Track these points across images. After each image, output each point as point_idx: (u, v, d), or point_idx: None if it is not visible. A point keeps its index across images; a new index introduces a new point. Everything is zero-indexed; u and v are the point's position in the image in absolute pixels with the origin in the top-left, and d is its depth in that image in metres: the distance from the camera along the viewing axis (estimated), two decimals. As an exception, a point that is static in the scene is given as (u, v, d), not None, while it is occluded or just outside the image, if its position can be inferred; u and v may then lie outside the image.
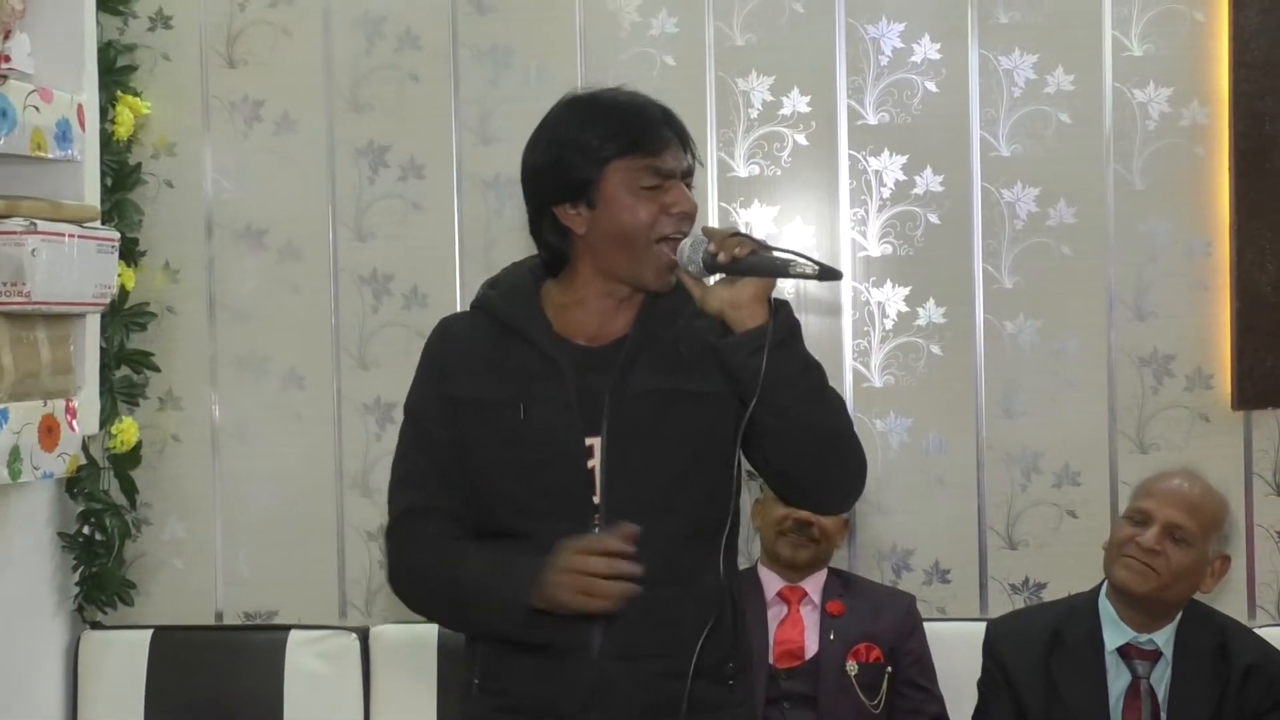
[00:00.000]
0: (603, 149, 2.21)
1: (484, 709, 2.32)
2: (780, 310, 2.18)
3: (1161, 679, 3.06)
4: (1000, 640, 3.17)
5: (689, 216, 2.24)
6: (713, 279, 2.19)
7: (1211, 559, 3.06)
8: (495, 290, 2.36)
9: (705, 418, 2.25)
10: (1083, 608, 3.13)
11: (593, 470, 2.22)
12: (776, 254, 2.16)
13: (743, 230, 2.25)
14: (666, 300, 2.28)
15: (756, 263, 2.15)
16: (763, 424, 2.18)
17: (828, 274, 2.17)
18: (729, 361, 2.17)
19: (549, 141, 2.26)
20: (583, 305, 2.28)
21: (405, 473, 2.35)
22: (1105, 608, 3.10)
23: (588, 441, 2.22)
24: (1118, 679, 3.07)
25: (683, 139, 2.26)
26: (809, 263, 2.13)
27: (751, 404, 2.15)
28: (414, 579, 2.33)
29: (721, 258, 2.15)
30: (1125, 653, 3.07)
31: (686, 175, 2.25)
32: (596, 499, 2.23)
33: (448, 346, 2.34)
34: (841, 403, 2.27)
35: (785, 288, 3.38)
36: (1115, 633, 3.08)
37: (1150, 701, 3.05)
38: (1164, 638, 3.06)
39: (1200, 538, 3.03)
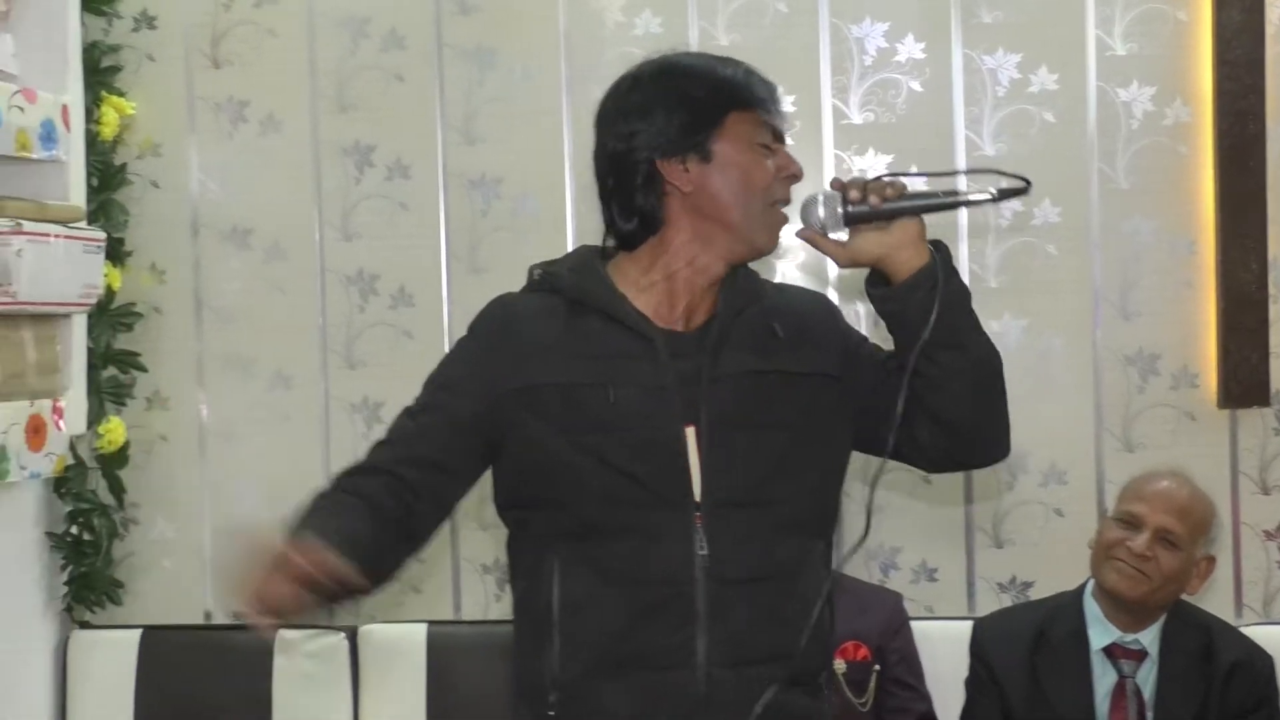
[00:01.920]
0: (724, 99, 2.10)
1: None
2: (938, 244, 2.09)
3: (1147, 678, 3.07)
4: (986, 640, 3.19)
5: (797, 180, 2.14)
6: (844, 234, 2.08)
7: (1198, 560, 3.07)
8: (558, 268, 2.18)
9: (807, 401, 2.11)
10: (1068, 607, 3.14)
11: (691, 461, 2.05)
12: (930, 190, 2.08)
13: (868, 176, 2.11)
14: (745, 281, 2.17)
15: (919, 200, 2.06)
16: (934, 369, 2.07)
17: (1008, 193, 2.09)
18: (901, 307, 2.06)
19: (652, 100, 2.11)
20: (670, 282, 2.13)
21: (392, 433, 2.15)
22: (1090, 607, 3.11)
23: (686, 429, 2.05)
24: (1103, 678, 3.08)
25: (781, 108, 2.16)
26: (985, 187, 2.07)
27: (915, 349, 2.04)
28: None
29: (873, 200, 2.05)
30: (1111, 652, 3.09)
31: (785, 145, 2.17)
32: (696, 492, 2.05)
33: (513, 327, 2.13)
34: None
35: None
36: (1101, 632, 3.09)
37: (1137, 701, 3.07)
38: (1149, 637, 3.08)
39: (1189, 542, 3.04)
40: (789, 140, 2.18)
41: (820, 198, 2.07)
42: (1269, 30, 3.52)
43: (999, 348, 2.14)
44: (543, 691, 2.07)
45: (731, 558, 2.04)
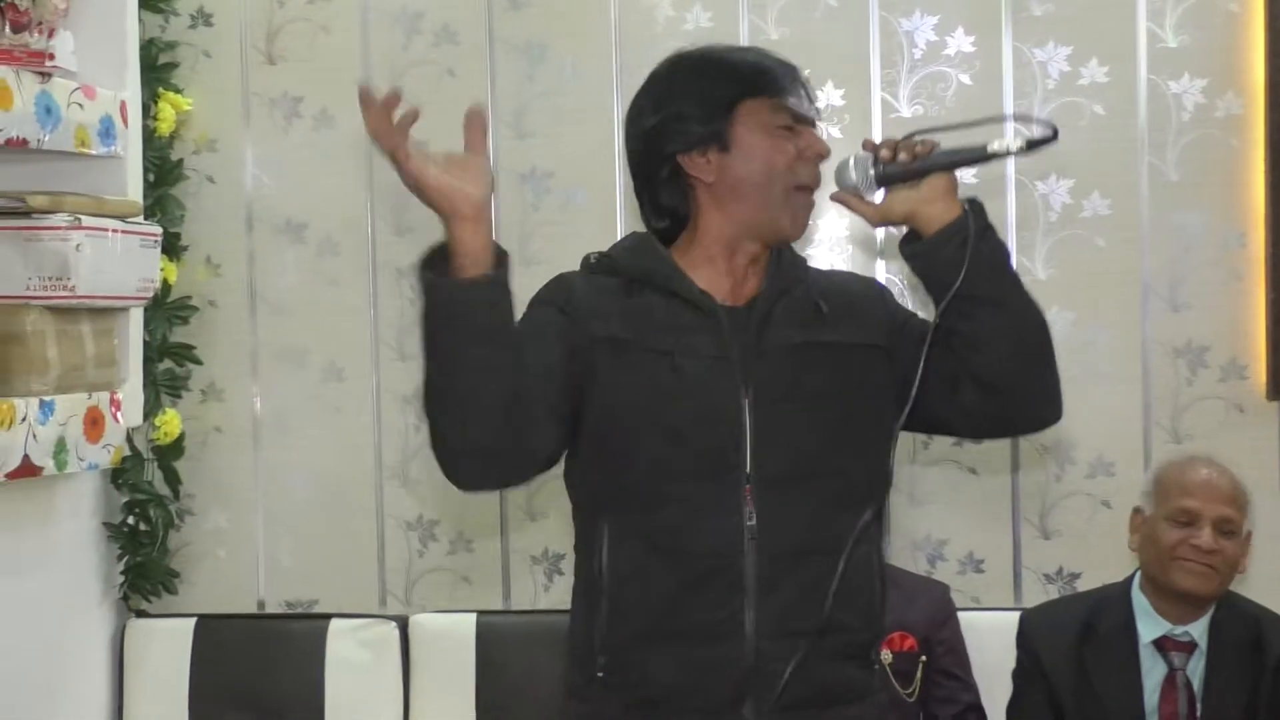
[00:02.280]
0: (734, 88, 2.11)
1: (612, 707, 2.09)
2: (973, 201, 2.08)
3: (1196, 669, 3.05)
4: (1033, 631, 3.18)
5: (823, 159, 2.14)
6: (879, 194, 2.09)
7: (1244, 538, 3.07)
8: (614, 251, 2.19)
9: (855, 373, 2.12)
10: (1115, 599, 3.12)
11: (745, 432, 2.06)
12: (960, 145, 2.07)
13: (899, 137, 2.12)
14: (790, 258, 2.19)
15: (948, 155, 2.06)
16: (972, 326, 2.05)
17: (1037, 143, 2.07)
18: (931, 262, 2.06)
19: (665, 95, 2.14)
20: (712, 264, 2.14)
21: None
22: (1139, 600, 3.09)
23: (744, 401, 2.06)
24: (1153, 670, 3.06)
25: (807, 89, 2.16)
26: (1011, 138, 2.05)
27: (944, 302, 2.04)
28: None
29: (902, 158, 2.06)
30: (1161, 645, 3.06)
31: (813, 126, 2.16)
32: (747, 464, 2.06)
33: (576, 293, 2.12)
34: None
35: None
36: (1150, 625, 3.07)
37: (1187, 693, 3.05)
38: (1199, 629, 3.05)
39: (1242, 524, 3.03)
40: (820, 122, 2.19)
41: (852, 160, 2.10)
42: (1323, 22, 3.49)
43: (1047, 339, 2.13)
44: (591, 655, 2.11)
45: (780, 530, 2.06)
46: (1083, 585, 3.54)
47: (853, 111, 3.64)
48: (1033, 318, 2.10)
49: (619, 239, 2.28)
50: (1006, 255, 2.12)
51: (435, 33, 3.77)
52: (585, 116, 3.71)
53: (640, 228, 2.25)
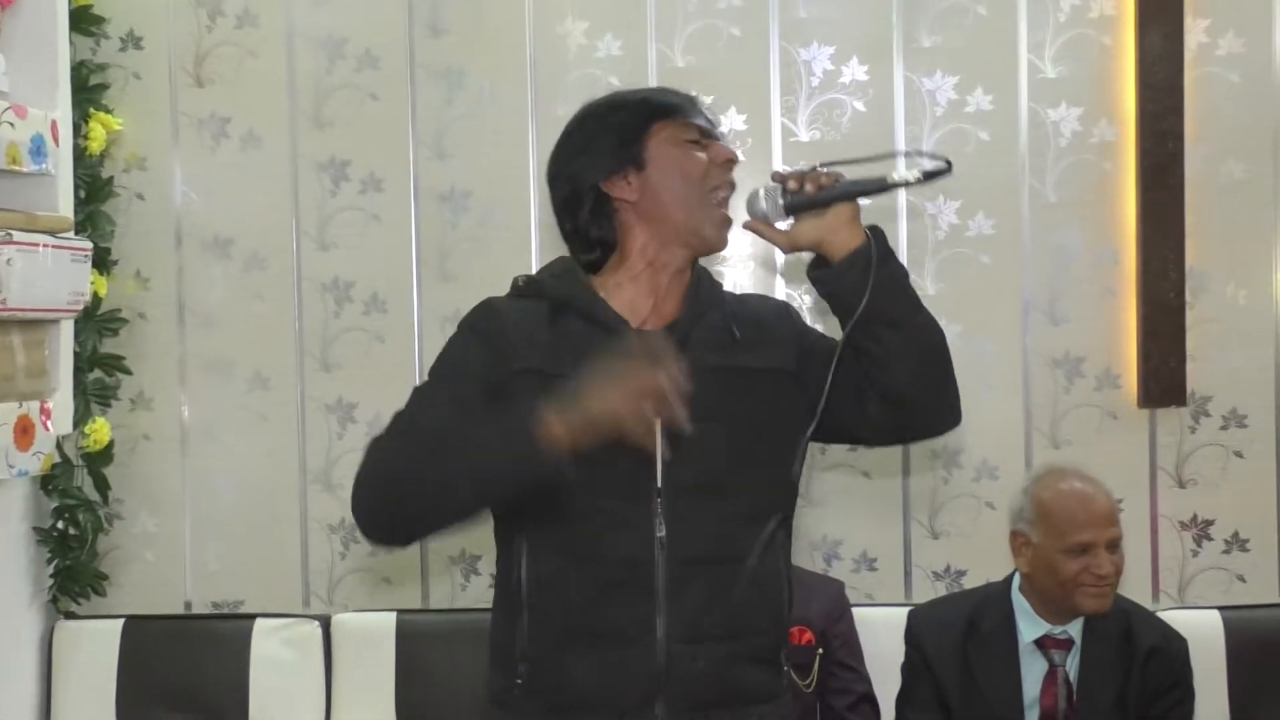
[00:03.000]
0: (643, 114, 2.23)
1: (531, 712, 2.17)
2: (874, 229, 2.17)
3: (1073, 664, 3.14)
4: (920, 629, 3.26)
5: (734, 164, 2.24)
6: (788, 222, 2.18)
7: None
8: (540, 276, 2.27)
9: (766, 395, 2.20)
10: (996, 598, 3.21)
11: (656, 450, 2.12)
12: (862, 177, 2.18)
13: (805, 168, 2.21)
14: (708, 283, 2.28)
15: (851, 186, 2.15)
16: (878, 346, 2.15)
17: (932, 175, 2.16)
18: (838, 286, 2.15)
19: (582, 138, 2.25)
20: (635, 283, 2.23)
21: (416, 404, 2.19)
22: (1019, 602, 3.18)
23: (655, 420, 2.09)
24: (1034, 666, 3.15)
25: (708, 114, 2.27)
26: (908, 170, 2.16)
27: (850, 324, 2.13)
28: (396, 454, 2.10)
29: (809, 189, 2.15)
30: (1042, 644, 3.15)
31: (719, 140, 2.26)
32: (658, 479, 2.14)
33: (500, 323, 2.21)
34: None
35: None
36: (1032, 626, 3.16)
37: (1066, 687, 3.14)
38: (1076, 628, 3.15)
39: (1121, 534, 3.13)
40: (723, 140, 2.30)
41: (762, 190, 2.21)
42: (1187, 56, 3.64)
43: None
44: (512, 663, 2.19)
45: (688, 540, 2.14)
46: (969, 582, 3.66)
47: (754, 135, 3.74)
48: (933, 335, 2.21)
49: (548, 263, 2.37)
50: (906, 278, 2.22)
51: (358, 58, 3.83)
52: (502, 139, 3.79)
53: (554, 245, 2.36)
